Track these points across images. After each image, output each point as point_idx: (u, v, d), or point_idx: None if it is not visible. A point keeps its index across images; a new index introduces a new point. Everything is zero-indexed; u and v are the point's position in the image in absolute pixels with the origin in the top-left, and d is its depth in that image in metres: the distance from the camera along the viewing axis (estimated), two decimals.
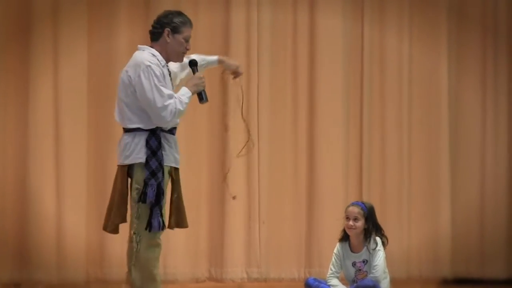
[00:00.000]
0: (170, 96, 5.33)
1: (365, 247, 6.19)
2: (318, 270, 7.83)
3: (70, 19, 7.74)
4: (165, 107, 5.31)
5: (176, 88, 5.54)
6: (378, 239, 6.18)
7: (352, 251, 6.25)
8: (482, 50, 8.33)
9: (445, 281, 8.17)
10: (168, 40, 5.47)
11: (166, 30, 5.46)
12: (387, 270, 6.26)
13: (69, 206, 7.67)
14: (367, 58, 8.19)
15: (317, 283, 6.20)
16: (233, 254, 7.90)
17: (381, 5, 8.22)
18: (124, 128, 5.45)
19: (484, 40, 8.33)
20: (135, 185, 5.33)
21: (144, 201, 5.28)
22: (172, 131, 5.47)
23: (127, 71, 5.39)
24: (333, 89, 8.10)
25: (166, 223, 5.40)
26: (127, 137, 5.39)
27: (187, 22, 5.52)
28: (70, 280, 7.65)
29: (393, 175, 8.16)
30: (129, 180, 5.41)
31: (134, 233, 5.31)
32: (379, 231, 6.22)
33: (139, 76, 5.32)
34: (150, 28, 5.53)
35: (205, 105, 5.63)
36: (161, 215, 5.33)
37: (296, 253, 8.03)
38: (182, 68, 5.71)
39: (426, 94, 8.27)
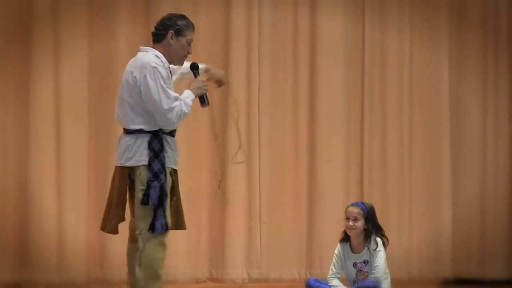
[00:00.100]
0: (176, 98, 5.36)
1: (366, 248, 6.19)
2: (319, 270, 7.82)
3: (71, 19, 7.74)
4: (171, 109, 5.33)
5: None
6: (378, 239, 6.18)
7: (352, 251, 6.25)
8: (482, 51, 8.32)
9: (446, 282, 8.16)
10: (172, 43, 5.49)
11: (170, 33, 5.49)
12: (388, 271, 6.26)
13: (70, 206, 7.67)
14: (368, 58, 8.18)
15: (318, 283, 6.20)
16: (234, 254, 7.89)
17: (382, 5, 8.21)
18: (125, 129, 5.45)
19: (485, 41, 8.32)
20: (140, 187, 5.34)
21: (147, 203, 5.30)
22: (172, 133, 5.50)
23: (131, 72, 5.40)
24: (334, 89, 8.10)
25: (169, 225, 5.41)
26: (129, 139, 5.40)
27: (190, 26, 5.57)
28: (71, 281, 7.66)
29: (394, 176, 8.15)
30: (128, 181, 5.43)
31: (140, 234, 5.33)
32: (379, 231, 6.22)
33: (145, 77, 5.33)
34: (153, 29, 5.55)
35: (206, 107, 5.65)
36: (165, 217, 5.35)
37: (297, 253, 8.03)
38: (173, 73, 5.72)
39: (427, 94, 8.27)
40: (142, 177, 5.33)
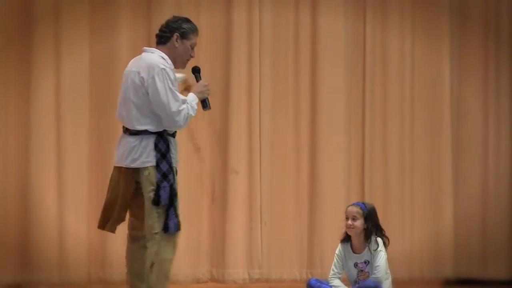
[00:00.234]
0: (184, 101, 5.40)
1: (367, 248, 6.19)
2: (320, 271, 7.82)
3: (72, 19, 7.74)
4: (179, 111, 5.35)
5: None
6: (379, 239, 6.18)
7: (353, 251, 6.25)
8: (484, 51, 8.31)
9: (447, 282, 8.16)
10: (177, 45, 5.52)
11: (175, 35, 5.50)
12: (389, 271, 6.26)
13: (71, 206, 7.67)
14: (369, 58, 8.17)
15: (319, 284, 6.20)
16: (235, 255, 7.89)
17: (383, 5, 8.21)
18: (128, 129, 5.44)
19: (486, 41, 8.31)
20: (150, 187, 5.36)
21: (158, 204, 5.32)
22: (174, 134, 5.53)
23: (138, 73, 5.40)
24: (335, 89, 8.09)
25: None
26: (134, 140, 5.41)
27: (195, 30, 5.60)
28: (72, 281, 7.66)
29: (395, 176, 8.14)
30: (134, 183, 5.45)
31: (155, 234, 5.35)
32: (379, 231, 6.21)
33: (153, 78, 5.34)
34: (158, 31, 5.57)
35: (207, 110, 5.71)
36: (176, 216, 5.38)
37: (298, 254, 8.02)
38: None
39: (428, 94, 8.26)
40: (152, 177, 5.35)
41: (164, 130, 5.43)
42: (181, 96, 5.41)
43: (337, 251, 6.30)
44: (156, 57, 5.44)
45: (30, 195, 7.62)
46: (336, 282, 6.25)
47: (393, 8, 8.21)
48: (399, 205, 8.12)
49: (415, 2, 8.26)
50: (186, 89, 5.73)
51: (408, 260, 8.04)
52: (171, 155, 5.42)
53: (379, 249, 6.14)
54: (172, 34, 5.51)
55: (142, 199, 5.47)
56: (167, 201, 5.34)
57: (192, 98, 5.50)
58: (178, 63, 5.55)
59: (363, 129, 8.15)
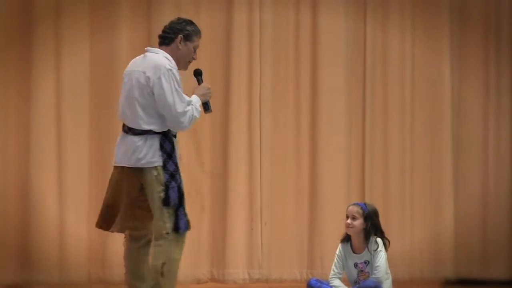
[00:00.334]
0: (189, 103, 5.41)
1: (366, 248, 6.19)
2: (320, 271, 7.82)
3: (72, 19, 7.74)
4: (185, 113, 5.36)
5: None
6: (379, 240, 6.17)
7: (353, 252, 6.24)
8: (484, 52, 8.31)
9: (447, 282, 8.15)
10: (180, 47, 5.53)
11: (179, 37, 5.52)
12: (389, 271, 6.26)
13: (71, 206, 7.67)
14: (369, 58, 8.17)
15: (319, 284, 6.20)
16: (235, 255, 7.89)
17: (383, 6, 8.20)
18: (131, 129, 5.44)
19: (487, 41, 8.31)
20: (160, 187, 5.36)
21: (168, 204, 5.33)
22: (175, 134, 5.54)
23: (144, 72, 5.41)
24: (336, 89, 8.09)
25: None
26: (138, 139, 5.40)
27: (198, 32, 5.63)
28: (72, 281, 7.66)
29: (396, 176, 8.14)
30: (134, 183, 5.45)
31: (167, 234, 5.36)
32: (379, 233, 6.21)
33: (159, 79, 5.35)
34: (161, 32, 5.59)
35: (209, 113, 5.74)
36: (185, 215, 5.42)
37: (298, 254, 8.02)
38: None
39: (429, 94, 8.26)
40: (161, 178, 5.36)
41: (169, 130, 5.44)
42: (187, 98, 5.42)
43: (337, 251, 6.30)
44: (161, 57, 5.46)
45: (30, 195, 7.61)
46: (337, 282, 6.25)
47: (394, 8, 8.21)
48: (399, 205, 8.12)
49: (416, 2, 8.26)
50: None
51: (408, 260, 8.04)
52: (176, 155, 5.44)
53: (379, 249, 6.14)
54: (176, 35, 5.53)
55: (145, 199, 5.47)
56: (176, 201, 5.37)
57: (195, 100, 5.51)
58: (181, 65, 5.56)
59: (364, 129, 8.15)
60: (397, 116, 8.18)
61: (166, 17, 7.37)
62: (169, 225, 5.37)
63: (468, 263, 8.19)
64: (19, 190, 7.65)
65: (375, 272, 6.12)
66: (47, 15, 7.70)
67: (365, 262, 6.20)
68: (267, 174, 7.99)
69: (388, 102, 8.20)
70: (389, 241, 6.24)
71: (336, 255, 6.30)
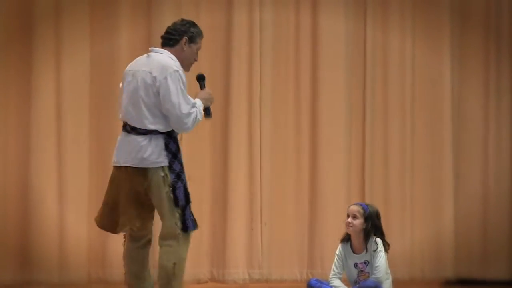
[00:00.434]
0: (194, 105, 5.42)
1: (366, 248, 6.18)
2: (320, 271, 7.82)
3: (72, 19, 7.74)
4: (189, 114, 5.37)
5: None
6: (379, 240, 6.17)
7: (353, 252, 6.24)
8: (484, 52, 8.31)
9: (447, 282, 8.15)
10: (185, 48, 5.54)
11: (184, 39, 5.53)
12: (389, 271, 6.26)
13: (71, 206, 7.67)
14: (369, 59, 8.17)
15: (319, 284, 6.20)
16: (235, 255, 7.89)
17: (383, 6, 8.20)
18: (136, 128, 5.43)
19: (487, 42, 8.31)
20: (167, 188, 5.38)
21: (177, 204, 5.35)
22: (177, 134, 5.53)
23: (150, 72, 5.41)
24: (336, 90, 8.09)
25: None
26: (142, 139, 5.40)
27: (201, 34, 5.66)
28: (72, 281, 7.66)
29: (396, 176, 8.14)
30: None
31: (178, 234, 5.41)
32: (379, 234, 6.20)
33: (165, 79, 5.35)
34: (164, 33, 5.59)
35: (209, 119, 5.74)
36: (191, 214, 5.47)
37: (298, 254, 8.02)
38: None
39: (429, 95, 8.26)
40: (168, 178, 5.39)
41: (173, 130, 5.45)
42: (192, 100, 5.43)
43: (337, 251, 6.30)
44: (167, 58, 5.47)
45: (30, 195, 7.61)
46: (337, 282, 6.24)
47: (394, 8, 8.21)
48: (400, 205, 8.12)
49: (416, 3, 8.26)
50: None
51: (409, 260, 8.04)
52: (180, 155, 5.46)
53: (378, 249, 6.13)
54: (181, 37, 5.53)
55: (147, 198, 5.47)
56: (184, 201, 5.40)
57: (199, 103, 5.52)
58: (184, 66, 5.56)
59: (364, 129, 8.15)
60: (397, 116, 8.18)
61: (166, 17, 7.40)
62: (179, 225, 5.42)
63: (468, 263, 8.19)
64: (19, 190, 7.65)
65: (375, 272, 6.12)
66: (47, 15, 7.71)
67: (365, 262, 6.19)
68: (267, 174, 7.99)
69: (388, 103, 8.20)
70: (389, 245, 6.23)
71: (336, 255, 6.29)
